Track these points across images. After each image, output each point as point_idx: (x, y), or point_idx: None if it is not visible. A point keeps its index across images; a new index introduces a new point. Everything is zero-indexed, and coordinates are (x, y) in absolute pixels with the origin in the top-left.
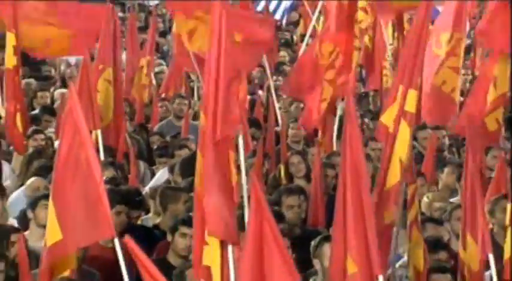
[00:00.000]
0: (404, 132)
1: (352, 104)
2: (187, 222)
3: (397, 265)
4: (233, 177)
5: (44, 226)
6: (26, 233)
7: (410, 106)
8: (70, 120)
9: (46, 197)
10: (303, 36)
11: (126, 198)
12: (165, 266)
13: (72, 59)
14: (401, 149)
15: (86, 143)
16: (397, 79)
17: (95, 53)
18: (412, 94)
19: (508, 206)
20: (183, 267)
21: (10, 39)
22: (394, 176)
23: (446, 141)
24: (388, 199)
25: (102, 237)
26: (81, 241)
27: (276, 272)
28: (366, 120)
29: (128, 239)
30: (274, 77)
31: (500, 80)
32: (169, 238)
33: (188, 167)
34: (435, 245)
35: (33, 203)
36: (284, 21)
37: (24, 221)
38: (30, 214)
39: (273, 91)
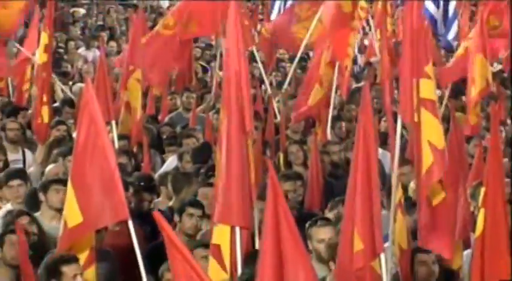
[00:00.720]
0: (428, 118)
1: (367, 95)
2: (194, 203)
3: (387, 244)
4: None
5: (55, 209)
6: (37, 214)
7: (428, 94)
8: (86, 111)
9: (57, 181)
10: None
11: (134, 184)
12: None
13: (89, 56)
14: (429, 133)
15: (101, 133)
16: (405, 73)
17: (110, 51)
18: (426, 83)
19: (482, 189)
20: (190, 247)
21: (43, 38)
22: (427, 158)
23: None
24: (429, 181)
25: (117, 219)
26: (99, 222)
27: (291, 253)
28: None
29: (157, 213)
30: (274, 73)
31: (478, 79)
32: (176, 218)
33: (198, 156)
34: None
35: (45, 187)
36: None
37: (30, 203)
38: (41, 197)
39: (268, 86)
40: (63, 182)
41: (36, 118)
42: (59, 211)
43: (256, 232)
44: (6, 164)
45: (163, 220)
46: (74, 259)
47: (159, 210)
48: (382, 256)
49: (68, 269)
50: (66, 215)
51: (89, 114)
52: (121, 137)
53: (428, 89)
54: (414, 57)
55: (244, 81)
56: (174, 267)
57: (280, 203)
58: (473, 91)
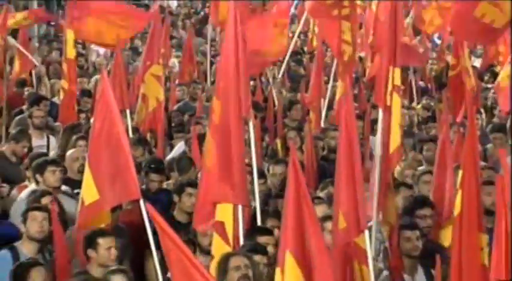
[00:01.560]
0: (398, 103)
1: (349, 88)
2: (192, 183)
3: (372, 222)
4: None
5: (53, 187)
6: None
7: (398, 81)
8: (103, 100)
9: (51, 162)
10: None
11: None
12: (172, 222)
13: (101, 50)
14: (399, 116)
15: (116, 120)
16: (384, 61)
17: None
18: (398, 71)
19: (460, 172)
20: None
21: (70, 35)
22: (395, 140)
23: (415, 119)
24: (393, 162)
25: (130, 198)
26: (114, 200)
27: (310, 224)
28: None
29: (148, 204)
30: (271, 66)
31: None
32: (175, 198)
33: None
34: (422, 202)
35: (41, 168)
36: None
37: None
38: (39, 178)
39: (271, 79)
40: (58, 163)
41: (68, 108)
42: (56, 189)
43: (258, 208)
44: (31, 150)
45: (154, 211)
46: (110, 233)
47: (166, 189)
48: (366, 232)
49: (103, 241)
50: (84, 193)
51: (105, 103)
52: (133, 130)
53: (398, 76)
54: (392, 48)
55: (242, 73)
56: (166, 252)
57: (300, 180)
58: (470, 82)
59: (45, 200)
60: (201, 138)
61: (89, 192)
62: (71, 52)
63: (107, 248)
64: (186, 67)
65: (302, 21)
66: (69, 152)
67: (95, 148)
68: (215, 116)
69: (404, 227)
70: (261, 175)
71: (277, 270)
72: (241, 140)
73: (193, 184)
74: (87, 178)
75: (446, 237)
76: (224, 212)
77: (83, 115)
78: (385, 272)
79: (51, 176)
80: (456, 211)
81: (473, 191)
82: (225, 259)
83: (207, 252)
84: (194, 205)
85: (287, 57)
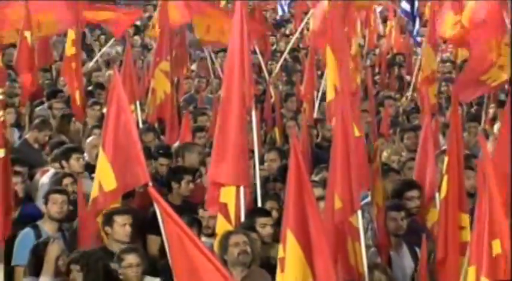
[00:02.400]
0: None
1: (346, 85)
2: (188, 170)
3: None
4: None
5: (77, 172)
6: None
7: None
8: (115, 93)
9: (76, 150)
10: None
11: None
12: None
13: (112, 52)
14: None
15: (126, 111)
16: (344, 58)
17: (135, 43)
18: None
19: (446, 158)
20: (191, 206)
21: (70, 35)
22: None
23: (401, 110)
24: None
25: (140, 183)
26: (127, 186)
27: (309, 205)
28: None
29: (151, 187)
30: (269, 62)
31: (426, 63)
32: (175, 185)
33: None
34: (410, 184)
35: (67, 155)
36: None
37: None
38: (64, 164)
39: (266, 73)
40: (81, 150)
41: (73, 101)
42: (78, 174)
43: (259, 191)
44: (51, 138)
45: (157, 195)
46: (126, 212)
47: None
48: (359, 212)
49: (119, 219)
50: (102, 179)
51: (116, 96)
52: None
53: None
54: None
55: (247, 68)
56: (168, 234)
57: (301, 165)
58: (421, 76)
59: (66, 181)
60: (196, 129)
61: (107, 179)
62: (70, 50)
63: (122, 224)
64: (179, 61)
65: (303, 22)
66: (89, 140)
67: (108, 136)
68: (222, 108)
69: (391, 208)
70: (262, 161)
71: (280, 246)
72: (243, 127)
73: (189, 171)
74: (104, 166)
75: (430, 217)
76: (227, 194)
77: (98, 107)
78: (373, 249)
79: (76, 163)
80: (442, 193)
81: (457, 176)
82: (226, 237)
83: (207, 234)
84: (191, 190)
85: (284, 55)
